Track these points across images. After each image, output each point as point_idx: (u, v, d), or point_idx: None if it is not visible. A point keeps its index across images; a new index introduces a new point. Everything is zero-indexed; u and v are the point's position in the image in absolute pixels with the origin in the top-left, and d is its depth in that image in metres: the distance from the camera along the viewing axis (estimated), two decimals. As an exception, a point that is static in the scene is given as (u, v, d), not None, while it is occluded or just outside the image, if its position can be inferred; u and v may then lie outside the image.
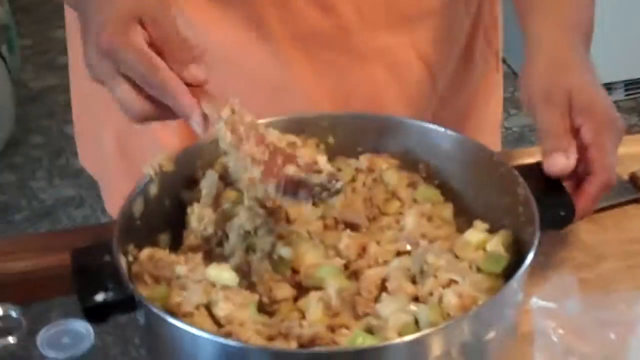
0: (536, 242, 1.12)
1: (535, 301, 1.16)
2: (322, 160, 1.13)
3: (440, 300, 1.09)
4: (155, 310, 1.06)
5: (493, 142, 1.68)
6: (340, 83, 1.48)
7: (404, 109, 1.52)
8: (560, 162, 1.21)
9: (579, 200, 1.23)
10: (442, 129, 1.30)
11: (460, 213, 1.30)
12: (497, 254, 1.17)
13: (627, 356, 1.14)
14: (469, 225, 1.26)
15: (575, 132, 1.25)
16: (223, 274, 1.13)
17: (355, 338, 1.06)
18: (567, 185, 1.23)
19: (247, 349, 1.04)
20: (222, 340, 1.03)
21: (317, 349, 1.05)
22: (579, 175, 1.24)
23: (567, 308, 1.16)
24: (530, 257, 1.09)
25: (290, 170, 1.11)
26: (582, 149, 1.24)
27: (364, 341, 1.05)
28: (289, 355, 1.03)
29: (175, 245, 1.25)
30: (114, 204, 1.51)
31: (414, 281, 1.13)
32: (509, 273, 1.16)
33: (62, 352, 1.19)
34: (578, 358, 1.15)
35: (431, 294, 1.10)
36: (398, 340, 1.02)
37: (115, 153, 1.58)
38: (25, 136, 3.87)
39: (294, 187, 1.11)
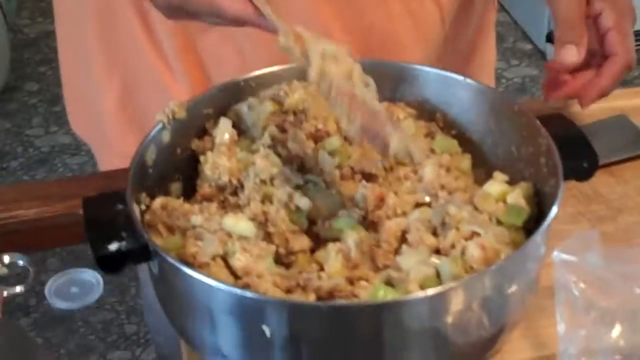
0: (560, 194, 1.09)
1: (557, 255, 1.13)
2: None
3: (462, 252, 1.06)
4: (170, 260, 1.04)
5: (489, 84, 1.65)
6: (359, 19, 1.45)
7: (418, 47, 1.49)
8: (573, 55, 1.28)
9: (602, 79, 1.30)
10: (461, 78, 1.27)
11: (478, 164, 1.27)
12: (518, 207, 1.14)
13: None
14: (487, 176, 1.23)
15: (594, 18, 1.30)
16: (240, 224, 1.10)
17: (376, 291, 1.03)
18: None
19: (266, 300, 1.01)
20: (239, 291, 1.01)
21: (337, 302, 1.03)
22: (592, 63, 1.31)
23: (589, 262, 1.14)
24: (554, 209, 1.07)
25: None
26: (600, 35, 1.31)
27: (385, 294, 1.03)
28: (309, 308, 1.01)
29: (187, 194, 1.22)
30: (111, 166, 1.48)
31: (435, 233, 1.11)
32: (529, 226, 1.14)
33: (71, 302, 1.16)
34: (600, 312, 1.12)
35: (453, 246, 1.07)
36: (421, 293, 1.00)
37: (117, 112, 1.54)
38: (20, 83, 3.83)
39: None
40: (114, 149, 1.52)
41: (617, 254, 1.15)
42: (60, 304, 1.15)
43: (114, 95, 1.53)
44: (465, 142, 1.28)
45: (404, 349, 1.04)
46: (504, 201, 1.16)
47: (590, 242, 1.15)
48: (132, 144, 1.19)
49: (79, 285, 1.18)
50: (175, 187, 1.23)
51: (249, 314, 1.01)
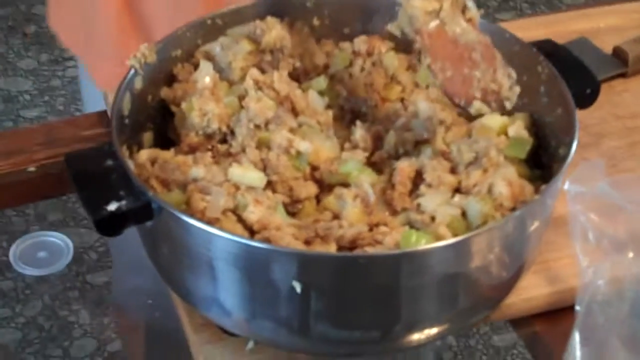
0: (576, 124, 1.05)
1: (569, 186, 1.10)
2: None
3: (488, 190, 1.01)
4: (183, 218, 0.95)
5: None
6: None
7: None
8: None
9: None
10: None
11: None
12: (521, 139, 1.10)
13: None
14: (473, 108, 1.18)
15: None
16: (248, 174, 1.02)
17: (408, 237, 0.97)
18: None
19: (304, 255, 0.94)
20: (276, 248, 0.93)
21: (380, 252, 0.96)
22: None
23: (598, 191, 1.11)
24: (575, 143, 1.03)
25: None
26: None
27: (418, 239, 0.97)
28: (350, 260, 0.94)
29: (157, 145, 1.13)
30: (106, 74, 1.35)
31: (452, 171, 1.05)
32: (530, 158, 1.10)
33: (39, 268, 1.05)
34: (611, 241, 1.10)
35: (475, 184, 1.02)
36: (466, 236, 0.94)
37: (120, 17, 1.40)
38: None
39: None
40: (106, 55, 1.38)
41: (625, 182, 1.13)
42: (27, 271, 1.03)
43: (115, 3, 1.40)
44: (447, 73, 1.22)
45: (431, 294, 0.99)
46: (505, 134, 1.11)
47: (597, 172, 1.12)
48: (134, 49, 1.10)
49: (47, 250, 1.06)
50: (147, 137, 1.14)
51: (282, 271, 0.93)
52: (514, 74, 1.08)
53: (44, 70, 3.10)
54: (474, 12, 1.06)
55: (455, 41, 1.06)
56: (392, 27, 1.10)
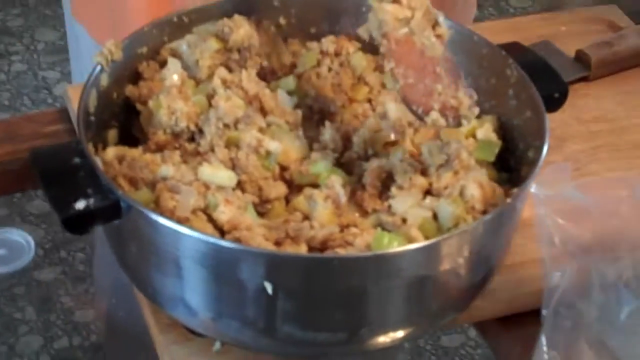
0: (547, 127, 1.05)
1: (536, 189, 1.09)
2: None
3: (460, 193, 1.01)
4: (154, 217, 0.94)
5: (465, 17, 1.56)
6: None
7: None
8: None
9: None
10: (408, 6, 1.20)
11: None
12: (490, 141, 1.10)
13: (628, 243, 1.10)
14: (439, 110, 1.18)
15: None
16: (219, 173, 1.01)
17: (380, 239, 0.97)
18: None
19: (276, 256, 0.93)
20: (248, 249, 0.92)
21: (354, 253, 0.96)
22: None
23: (564, 194, 1.11)
24: (546, 146, 1.03)
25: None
26: None
27: (390, 242, 0.96)
28: (324, 262, 0.93)
29: (121, 143, 1.11)
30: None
31: (423, 173, 1.05)
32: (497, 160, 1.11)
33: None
34: (577, 244, 1.10)
35: (447, 187, 1.02)
36: (439, 238, 0.94)
37: (152, 7, 1.37)
38: None
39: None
40: None
41: (591, 185, 1.13)
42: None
43: None
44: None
45: (400, 297, 0.99)
46: (473, 136, 1.11)
47: (563, 175, 1.12)
48: None
49: (7, 247, 1.04)
50: (112, 135, 1.12)
51: (252, 271, 0.93)
52: (475, 96, 1.08)
53: (-11, 64, 3.06)
54: (444, 28, 1.06)
55: (422, 52, 1.05)
56: (361, 30, 1.10)
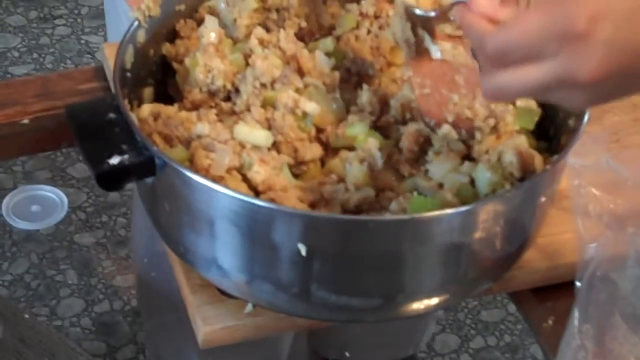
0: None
1: (571, 160, 1.08)
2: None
3: (498, 159, 1.00)
4: (188, 175, 0.93)
5: None
6: None
7: None
8: None
9: None
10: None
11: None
12: (530, 109, 1.09)
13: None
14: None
15: None
16: (255, 132, 1.00)
17: (416, 203, 0.96)
18: None
19: (312, 217, 0.92)
20: (283, 209, 0.91)
21: (390, 217, 0.94)
22: None
23: (600, 165, 1.09)
24: (587, 115, 1.01)
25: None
26: None
27: (427, 206, 0.95)
28: (359, 224, 0.92)
29: (157, 101, 1.11)
30: None
31: (461, 140, 1.03)
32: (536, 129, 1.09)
33: (32, 222, 1.03)
34: (612, 216, 1.09)
35: (487, 151, 1.00)
36: (481, 202, 0.93)
37: None
38: None
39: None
40: None
41: (627, 157, 1.12)
42: (20, 224, 1.00)
43: None
44: (453, 41, 1.20)
45: (435, 263, 0.97)
46: (513, 103, 1.09)
47: (599, 146, 1.10)
48: None
49: (40, 203, 1.03)
50: (148, 92, 1.11)
51: (286, 232, 0.92)
52: (492, 106, 1.05)
53: (33, 27, 3.05)
54: None
55: (442, 59, 1.04)
56: (387, 34, 1.08)
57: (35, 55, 2.94)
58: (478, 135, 1.03)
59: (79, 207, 2.31)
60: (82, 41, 3.00)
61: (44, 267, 2.30)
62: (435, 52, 1.03)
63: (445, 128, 1.02)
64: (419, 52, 1.03)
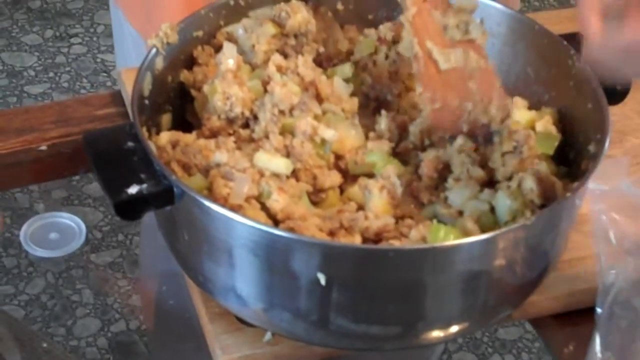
0: (609, 122, 1.03)
1: (592, 185, 1.07)
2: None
3: (518, 186, 0.99)
4: (207, 204, 0.92)
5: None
6: None
7: None
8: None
9: None
10: (470, -4, 1.18)
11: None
12: (549, 134, 1.08)
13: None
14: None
15: None
16: (275, 160, 1.00)
17: (436, 231, 0.95)
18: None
19: (331, 246, 0.92)
20: (302, 238, 0.91)
21: (410, 245, 0.94)
22: None
23: (620, 190, 1.09)
24: (607, 140, 1.00)
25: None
26: None
27: (447, 235, 0.94)
28: (379, 253, 0.92)
29: (175, 128, 1.10)
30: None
31: (481, 165, 1.03)
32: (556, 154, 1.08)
33: (51, 250, 1.03)
34: (633, 242, 1.08)
35: (510, 178, 0.99)
36: (502, 230, 0.92)
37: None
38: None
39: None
40: None
41: (650, 181, 1.10)
42: (38, 252, 1.00)
43: None
44: (472, 64, 1.19)
45: (455, 291, 0.97)
46: (532, 128, 1.09)
47: (620, 170, 1.09)
48: None
49: (58, 231, 1.03)
50: (166, 119, 1.11)
51: (305, 261, 0.91)
52: (510, 105, 1.04)
53: (49, 46, 3.06)
54: (476, 33, 1.03)
55: (453, 68, 1.03)
56: (400, 49, 1.08)
57: (51, 74, 2.95)
58: (496, 139, 1.02)
59: (95, 227, 2.31)
60: (98, 59, 3.01)
61: (60, 287, 2.30)
62: (444, 62, 1.02)
63: (460, 139, 1.02)
64: (429, 65, 1.02)
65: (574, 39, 1.14)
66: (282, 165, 1.00)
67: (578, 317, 1.08)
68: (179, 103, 1.13)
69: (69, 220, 1.04)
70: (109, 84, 2.93)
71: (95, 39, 3.09)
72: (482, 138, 1.02)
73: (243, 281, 0.96)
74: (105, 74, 2.95)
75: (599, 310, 1.02)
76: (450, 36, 1.03)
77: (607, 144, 1.00)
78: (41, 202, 2.26)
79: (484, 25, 1.04)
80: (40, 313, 2.28)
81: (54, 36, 3.11)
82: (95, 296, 2.32)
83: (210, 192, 0.98)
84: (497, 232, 0.92)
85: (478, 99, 1.02)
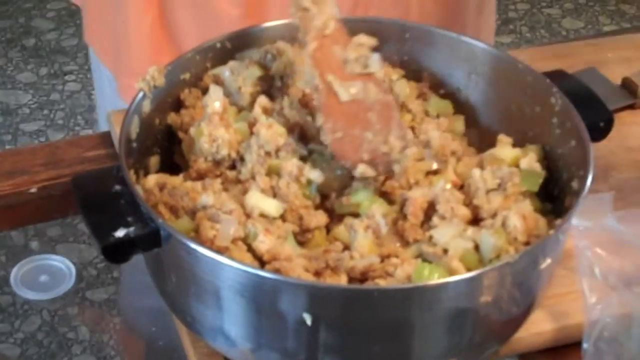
0: (591, 158, 1.04)
1: (573, 220, 1.08)
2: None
3: (502, 224, 1.00)
4: (193, 247, 0.93)
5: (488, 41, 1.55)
6: None
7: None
8: None
9: None
10: (453, 35, 1.20)
11: (469, 125, 1.20)
12: (533, 171, 1.09)
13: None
14: (480, 138, 1.18)
15: None
16: (266, 203, 1.01)
17: (421, 270, 0.96)
18: None
19: (316, 287, 0.93)
20: (287, 280, 0.92)
21: (394, 285, 0.95)
22: None
23: (604, 226, 1.10)
24: (590, 177, 1.01)
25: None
26: None
27: (431, 273, 0.95)
28: (363, 293, 0.93)
29: (164, 170, 1.12)
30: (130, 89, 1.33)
31: (466, 204, 1.04)
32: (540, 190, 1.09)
33: (41, 292, 1.04)
34: (618, 276, 1.09)
35: (495, 215, 1.01)
36: (486, 269, 0.93)
37: (155, 32, 1.39)
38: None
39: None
40: (138, 72, 1.38)
41: (632, 217, 1.12)
42: (29, 295, 1.01)
43: (151, 17, 1.38)
44: (455, 103, 1.21)
45: (442, 329, 0.98)
46: (516, 166, 1.10)
47: (604, 206, 1.10)
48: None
49: (49, 273, 1.04)
50: (154, 161, 1.12)
51: (292, 302, 0.92)
52: (409, 135, 1.08)
53: (44, 83, 3.08)
54: (375, 67, 1.06)
55: (353, 100, 1.05)
56: (301, 82, 1.12)
57: (45, 112, 2.97)
58: (397, 167, 1.05)
59: (89, 264, 2.32)
60: (93, 96, 3.02)
61: (55, 324, 2.30)
62: (344, 94, 1.04)
63: (361, 167, 1.04)
64: (330, 96, 1.04)
65: (556, 77, 1.16)
66: (272, 207, 1.01)
67: (565, 352, 1.09)
68: (167, 145, 1.14)
69: (60, 262, 1.05)
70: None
71: (89, 75, 3.10)
72: (383, 167, 1.04)
73: (230, 322, 0.97)
74: (99, 111, 2.96)
75: (585, 345, 1.03)
76: (350, 69, 1.06)
77: (589, 180, 1.01)
78: (36, 240, 2.27)
79: (380, 61, 1.08)
80: (36, 351, 2.28)
81: (49, 74, 3.12)
82: (91, 333, 2.32)
83: (197, 234, 0.99)
84: (480, 270, 0.93)
85: (378, 129, 1.05)
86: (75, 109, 2.99)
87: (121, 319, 2.19)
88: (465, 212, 1.02)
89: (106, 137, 1.30)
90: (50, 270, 1.01)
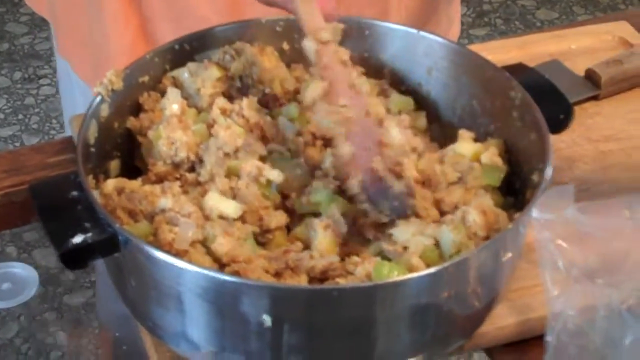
0: (551, 150, 1.04)
1: (536, 214, 1.08)
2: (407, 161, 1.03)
3: (462, 219, 1.00)
4: (151, 251, 0.93)
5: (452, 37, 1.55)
6: None
7: None
8: None
9: None
10: (413, 31, 1.19)
11: (431, 121, 1.20)
12: (495, 166, 1.09)
13: (632, 266, 1.08)
14: (442, 133, 1.18)
15: None
16: (224, 204, 1.00)
17: (380, 268, 0.96)
18: None
19: (274, 288, 0.92)
20: (246, 282, 0.92)
21: (353, 284, 0.95)
22: None
23: (567, 218, 1.09)
24: (549, 170, 1.01)
25: (379, 164, 1.02)
26: None
27: (391, 271, 0.95)
28: (323, 293, 0.92)
29: (125, 173, 1.11)
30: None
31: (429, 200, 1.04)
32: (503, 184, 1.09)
33: (3, 301, 1.04)
34: (581, 268, 1.09)
35: (455, 209, 1.01)
36: (444, 265, 0.93)
37: (137, 47, 1.39)
38: None
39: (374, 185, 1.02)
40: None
41: (594, 208, 1.11)
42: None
43: (132, 29, 1.38)
44: (417, 99, 1.21)
45: (404, 326, 0.97)
46: (478, 160, 1.10)
47: (566, 197, 1.10)
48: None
49: (12, 281, 1.04)
50: (114, 165, 1.12)
51: (252, 304, 0.92)
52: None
53: (18, 88, 3.07)
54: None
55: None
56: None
57: (20, 116, 2.96)
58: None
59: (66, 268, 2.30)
60: (66, 102, 3.00)
61: (33, 329, 2.30)
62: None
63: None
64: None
65: (517, 70, 1.16)
66: (231, 208, 1.00)
67: (529, 345, 1.09)
68: (127, 149, 1.13)
69: (21, 269, 1.05)
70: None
71: (62, 80, 3.09)
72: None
73: (192, 325, 0.97)
74: (74, 115, 2.95)
75: (548, 338, 1.03)
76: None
77: (549, 172, 1.01)
78: (12, 244, 2.27)
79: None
80: (14, 357, 2.27)
81: (23, 78, 3.11)
82: (70, 338, 2.31)
83: (156, 238, 0.98)
84: (440, 266, 0.92)
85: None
86: (50, 112, 2.98)
87: (98, 323, 2.19)
88: (429, 207, 1.02)
89: (69, 143, 1.30)
90: (12, 277, 1.01)
